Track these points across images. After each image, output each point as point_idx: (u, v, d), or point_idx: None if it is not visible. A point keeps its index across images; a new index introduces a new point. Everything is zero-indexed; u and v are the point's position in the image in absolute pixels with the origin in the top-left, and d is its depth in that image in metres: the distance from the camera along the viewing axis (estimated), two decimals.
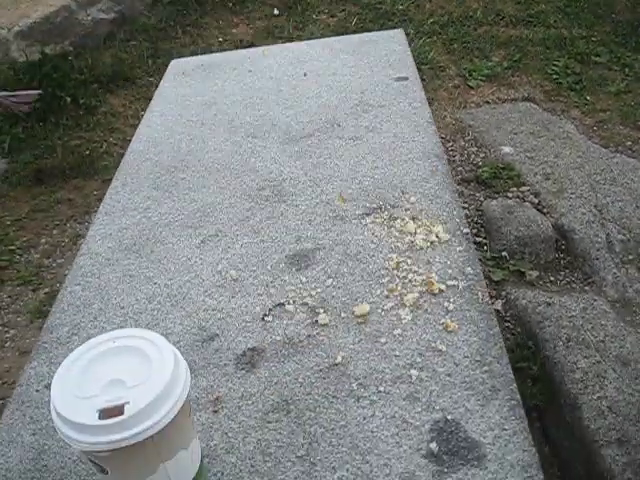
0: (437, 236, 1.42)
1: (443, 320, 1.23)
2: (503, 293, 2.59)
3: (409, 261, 1.36)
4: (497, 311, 2.52)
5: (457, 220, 1.47)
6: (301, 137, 1.82)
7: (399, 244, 1.41)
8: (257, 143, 1.82)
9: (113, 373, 0.87)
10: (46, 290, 2.91)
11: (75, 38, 3.87)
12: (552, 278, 2.68)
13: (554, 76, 3.75)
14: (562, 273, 2.71)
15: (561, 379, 2.23)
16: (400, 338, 1.21)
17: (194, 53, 3.83)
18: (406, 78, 2.03)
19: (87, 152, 3.51)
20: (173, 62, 2.42)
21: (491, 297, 2.57)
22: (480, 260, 2.71)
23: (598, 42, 3.96)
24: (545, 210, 2.88)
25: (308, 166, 1.71)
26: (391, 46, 2.24)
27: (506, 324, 2.50)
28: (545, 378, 2.28)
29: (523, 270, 2.66)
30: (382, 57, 2.17)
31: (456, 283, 1.30)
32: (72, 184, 3.46)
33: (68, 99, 3.68)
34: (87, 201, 3.36)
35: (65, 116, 3.68)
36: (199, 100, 2.06)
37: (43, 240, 3.20)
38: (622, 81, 3.67)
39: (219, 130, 1.91)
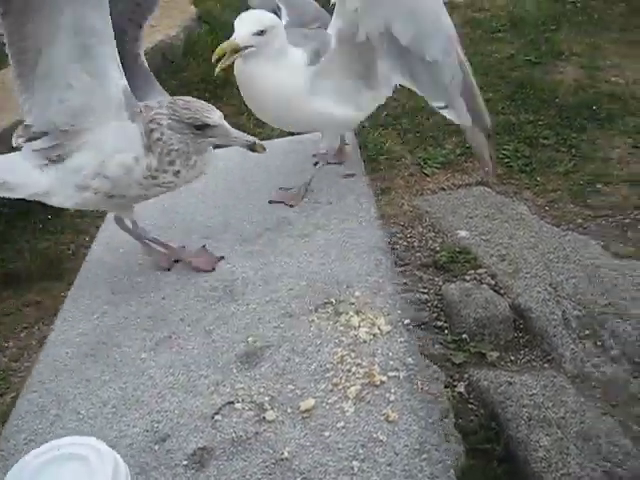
0: (379, 328, 1.49)
1: (384, 411, 1.29)
2: (465, 375, 2.64)
3: (353, 354, 1.43)
4: (460, 393, 2.57)
5: (399, 311, 1.54)
6: (253, 237, 1.90)
7: (344, 338, 1.48)
8: (211, 244, 1.90)
9: None
10: (12, 395, 2.90)
11: None
12: (512, 357, 2.74)
13: (505, 160, 3.91)
14: (522, 352, 2.77)
15: (525, 458, 2.27)
16: (343, 430, 1.26)
17: None
18: (353, 174, 2.14)
19: (55, 255, 3.56)
20: None
21: (453, 380, 2.62)
22: (441, 343, 2.78)
23: (545, 125, 4.15)
24: (502, 291, 2.96)
25: (259, 265, 1.78)
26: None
27: (469, 406, 2.54)
28: (509, 458, 2.32)
29: (484, 351, 2.72)
30: None
31: (397, 374, 1.37)
32: (40, 286, 3.49)
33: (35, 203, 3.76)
34: (55, 303, 3.37)
35: (33, 220, 3.75)
36: (157, 205, 2.13)
37: (11, 343, 3.21)
38: (570, 161, 3.84)
39: (176, 232, 1.99)
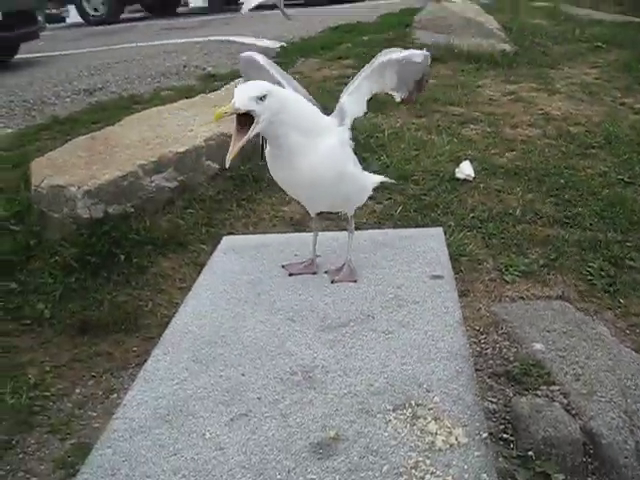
0: (457, 439, 1.47)
1: None
2: None
3: (427, 462, 1.41)
4: None
5: (477, 424, 1.52)
6: (336, 325, 1.92)
7: (420, 443, 1.47)
8: (294, 327, 1.93)
9: None
10: (73, 441, 2.95)
11: (137, 201, 4.15)
12: None
13: (588, 277, 3.85)
14: (589, 478, 2.67)
15: None
16: None
17: (246, 226, 4.06)
18: (441, 277, 2.16)
19: (132, 309, 3.66)
20: (225, 239, 2.61)
21: None
22: (505, 457, 2.70)
23: (633, 247, 4.08)
24: (574, 412, 2.87)
25: (340, 355, 1.80)
26: (430, 243, 2.39)
27: None
28: None
29: (549, 472, 2.63)
30: (420, 254, 2.32)
31: None
32: (113, 338, 3.58)
33: (122, 257, 3.90)
34: (126, 356, 3.46)
35: (117, 272, 3.87)
36: (245, 278, 2.20)
37: (78, 390, 3.28)
38: None
39: (260, 310, 2.03)
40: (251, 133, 1.79)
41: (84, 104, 6.21)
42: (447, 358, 1.75)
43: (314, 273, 2.24)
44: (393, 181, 2.86)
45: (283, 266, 2.28)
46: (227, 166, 1.82)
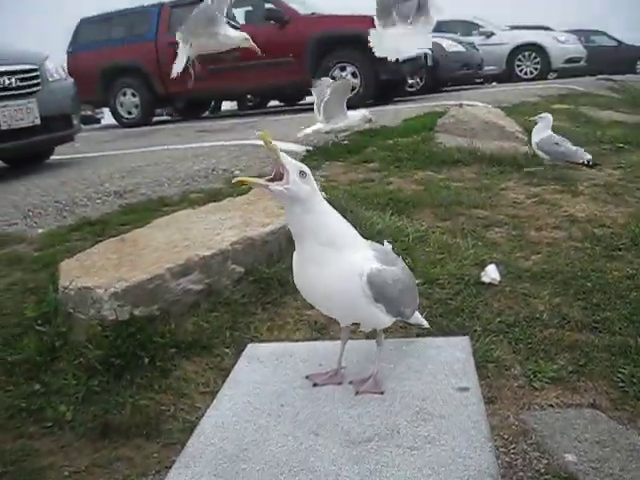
0: None
1: None
2: None
3: None
4: None
5: None
6: (361, 440, 1.88)
7: None
8: (318, 441, 1.89)
9: None
10: None
11: (163, 304, 4.18)
12: None
13: (620, 384, 3.75)
14: None
15: None
16: None
17: (270, 330, 4.05)
18: (467, 389, 2.12)
19: (154, 413, 3.61)
20: (249, 346, 2.60)
21: None
22: None
23: None
24: None
25: (365, 472, 1.76)
26: (455, 354, 2.36)
27: None
28: None
29: None
30: (446, 364, 2.29)
31: None
32: (135, 443, 3.52)
33: (146, 360, 3.89)
34: (146, 462, 3.40)
35: (140, 375, 3.85)
36: (269, 389, 2.18)
37: None
38: None
39: (284, 422, 2.00)
40: (274, 187, 1.81)
41: (115, 206, 6.35)
42: (474, 477, 1.70)
43: (339, 384, 2.21)
44: (427, 325, 2.81)
45: (307, 377, 2.26)
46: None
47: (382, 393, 2.11)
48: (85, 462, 3.43)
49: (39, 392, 3.79)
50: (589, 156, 6.52)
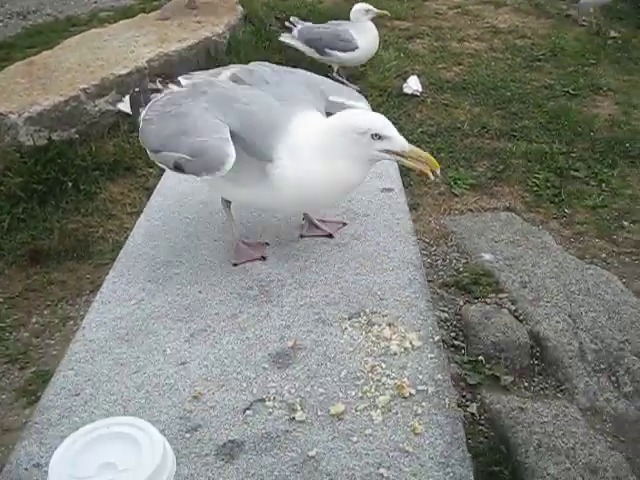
0: (411, 343, 1.53)
1: (411, 422, 1.33)
2: (478, 397, 2.67)
3: (383, 365, 1.47)
4: (472, 414, 2.60)
5: (430, 328, 1.58)
6: (290, 240, 1.95)
7: (375, 348, 1.52)
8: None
9: (106, 457, 0.97)
10: (33, 369, 2.96)
11: (81, 127, 4.06)
12: (526, 384, 2.77)
13: (534, 188, 3.94)
14: (536, 379, 2.80)
15: None
16: (371, 438, 1.30)
17: None
18: (391, 189, 2.18)
19: (83, 236, 3.62)
20: None
21: (466, 400, 2.66)
22: (457, 363, 2.81)
23: (577, 158, 4.18)
24: (521, 317, 2.99)
25: (295, 269, 1.83)
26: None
27: (480, 427, 2.57)
28: None
29: (498, 375, 2.75)
30: None
31: (425, 388, 1.41)
32: (66, 266, 3.55)
33: (70, 184, 3.83)
34: (80, 284, 3.45)
35: (65, 200, 3.82)
36: (197, 199, 2.19)
37: (34, 319, 3.27)
38: (599, 196, 3.87)
39: (214, 229, 2.04)
40: None
41: (19, 28, 5.96)
42: (399, 267, 1.80)
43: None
44: None
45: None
46: None
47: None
48: (19, 288, 3.46)
49: None
50: None
